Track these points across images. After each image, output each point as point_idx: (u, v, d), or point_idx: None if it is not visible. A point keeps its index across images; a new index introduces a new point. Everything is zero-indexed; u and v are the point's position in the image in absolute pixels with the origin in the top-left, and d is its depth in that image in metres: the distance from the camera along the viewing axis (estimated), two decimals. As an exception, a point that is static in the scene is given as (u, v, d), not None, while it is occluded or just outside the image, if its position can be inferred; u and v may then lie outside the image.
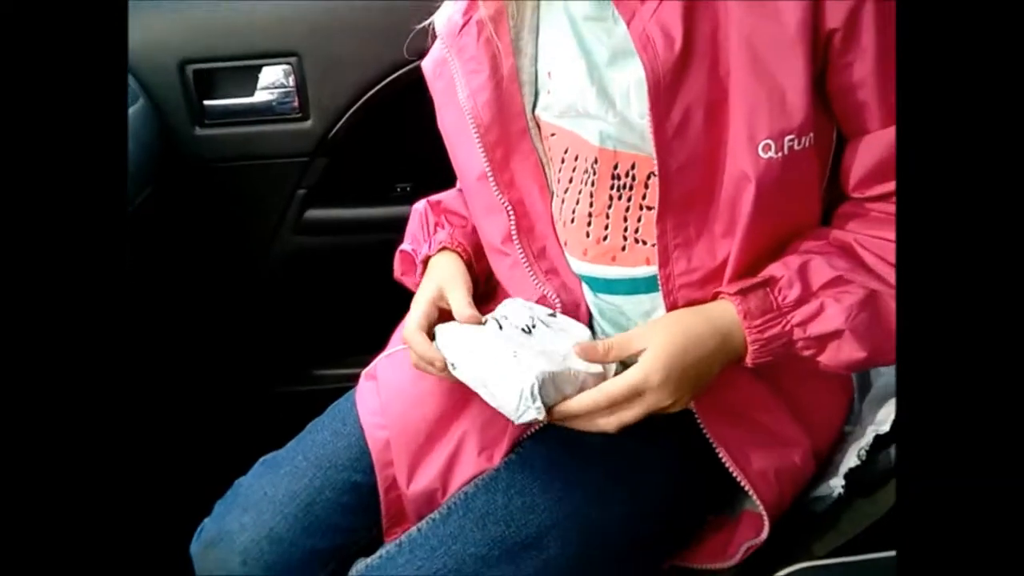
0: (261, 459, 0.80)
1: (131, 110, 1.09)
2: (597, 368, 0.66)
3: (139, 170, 1.09)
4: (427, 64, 0.77)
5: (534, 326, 0.69)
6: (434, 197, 0.85)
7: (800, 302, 0.63)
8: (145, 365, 1.22)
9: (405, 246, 0.84)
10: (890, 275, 0.63)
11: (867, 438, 0.74)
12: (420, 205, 0.85)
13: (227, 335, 1.33)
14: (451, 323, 0.71)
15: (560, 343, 0.68)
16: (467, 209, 0.82)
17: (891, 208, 0.64)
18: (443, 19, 0.74)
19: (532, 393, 0.63)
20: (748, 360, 0.64)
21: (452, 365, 0.69)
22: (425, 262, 0.80)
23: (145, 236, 1.14)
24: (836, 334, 0.62)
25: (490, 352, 0.67)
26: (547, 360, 0.65)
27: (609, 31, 0.66)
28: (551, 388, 0.64)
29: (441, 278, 0.76)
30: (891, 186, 0.64)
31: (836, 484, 0.75)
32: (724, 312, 0.65)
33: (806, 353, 0.64)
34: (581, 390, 0.65)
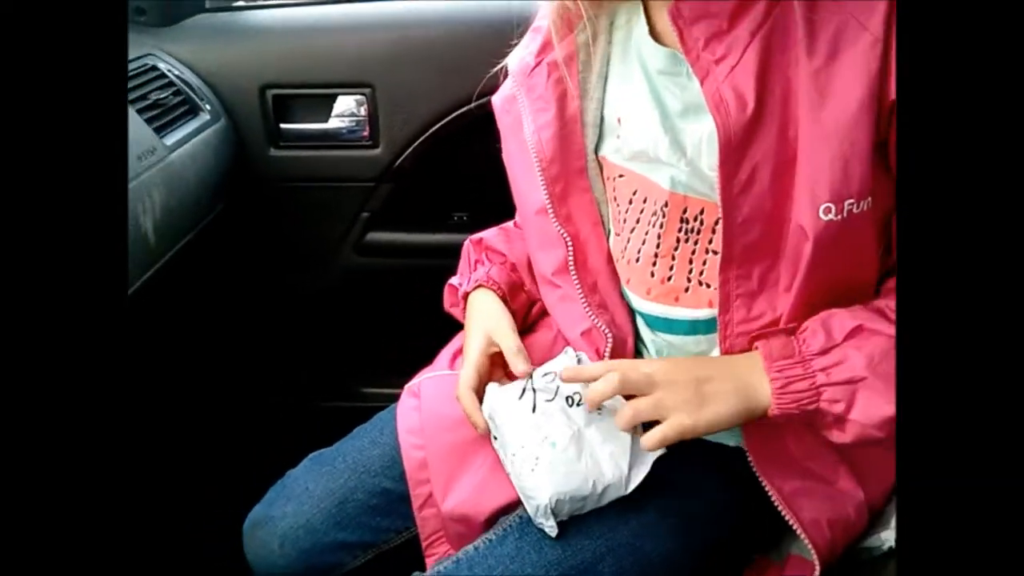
0: (310, 455, 0.85)
1: (212, 128, 1.15)
2: (620, 474, 0.68)
3: (217, 185, 1.15)
4: (497, 100, 0.80)
5: (579, 403, 0.71)
6: (477, 235, 0.88)
7: (823, 351, 0.63)
8: (208, 376, 1.27)
9: (453, 280, 0.88)
10: None
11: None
12: (466, 242, 0.88)
13: (286, 348, 1.37)
14: (497, 388, 0.74)
15: (596, 429, 0.70)
16: (507, 245, 0.85)
17: None
18: (515, 60, 0.78)
19: (545, 513, 0.67)
20: (773, 405, 0.64)
21: (494, 437, 0.73)
22: (465, 298, 0.83)
23: (217, 247, 1.20)
24: (860, 381, 0.62)
25: (517, 447, 0.69)
26: (568, 466, 0.67)
27: (683, 86, 0.67)
28: (566, 505, 0.67)
29: (487, 325, 0.79)
30: None
31: (888, 537, 0.73)
32: (747, 358, 0.66)
33: (836, 408, 0.63)
34: (599, 500, 0.68)
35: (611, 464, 0.69)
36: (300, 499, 0.80)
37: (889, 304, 0.65)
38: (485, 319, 0.80)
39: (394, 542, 0.80)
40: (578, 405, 0.71)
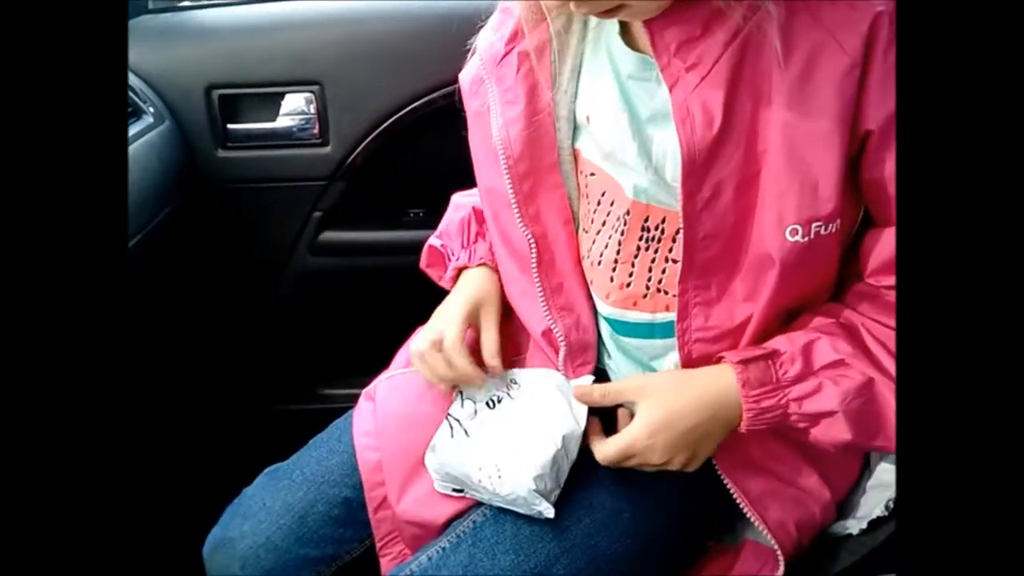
0: (265, 470, 0.82)
1: (157, 131, 1.12)
2: (565, 415, 0.71)
3: (163, 189, 1.12)
4: (464, 79, 0.76)
5: (499, 400, 0.74)
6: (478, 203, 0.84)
7: (799, 379, 0.64)
8: (161, 381, 1.24)
9: (435, 241, 0.84)
10: (890, 364, 0.63)
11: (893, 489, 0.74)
12: (464, 209, 0.84)
13: (241, 352, 1.35)
14: (431, 455, 0.74)
15: (523, 405, 0.73)
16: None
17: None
18: (484, 43, 0.74)
19: (534, 499, 0.68)
20: (742, 427, 0.65)
21: (458, 490, 0.73)
22: (459, 271, 0.81)
23: (166, 252, 1.17)
24: (829, 414, 0.63)
25: (476, 472, 0.70)
26: (525, 449, 0.69)
27: (652, 92, 0.65)
28: (547, 480, 0.68)
29: (478, 298, 0.77)
30: None
31: (851, 525, 0.75)
32: (722, 378, 0.66)
33: (800, 425, 0.64)
34: (568, 455, 0.70)
35: (554, 416, 0.71)
36: (258, 517, 0.77)
37: (867, 325, 0.65)
38: (477, 294, 0.78)
39: (357, 551, 0.78)
40: (499, 402, 0.74)
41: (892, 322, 0.65)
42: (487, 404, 0.74)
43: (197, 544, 0.81)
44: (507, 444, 0.70)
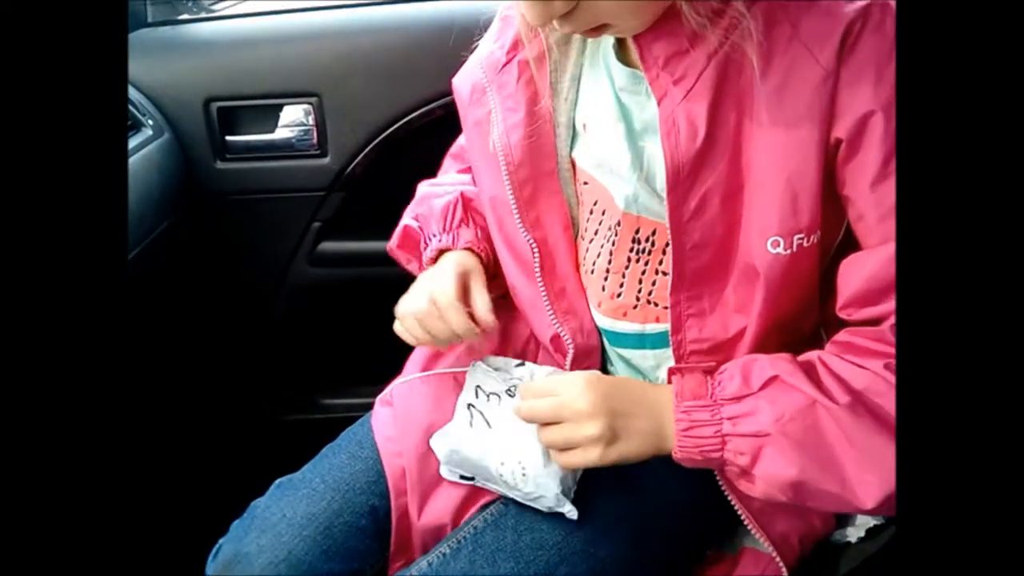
0: (277, 482, 0.79)
1: (156, 143, 1.13)
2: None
3: (162, 200, 1.13)
4: (463, 86, 0.76)
5: (511, 393, 0.73)
6: (468, 190, 0.83)
7: (736, 399, 0.61)
8: (160, 393, 1.24)
9: (411, 222, 0.83)
10: (838, 392, 0.59)
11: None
12: (445, 195, 0.83)
13: (240, 362, 1.35)
14: (443, 435, 0.73)
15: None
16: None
17: (869, 334, 0.61)
18: (485, 51, 0.74)
19: (559, 502, 0.68)
20: (675, 448, 0.62)
21: (470, 479, 0.73)
22: (439, 253, 0.80)
23: (165, 264, 1.18)
24: (764, 436, 0.59)
25: (497, 466, 0.69)
26: (550, 462, 0.68)
27: (643, 105, 0.66)
28: (569, 481, 0.69)
29: (466, 266, 0.76)
30: (875, 311, 0.60)
31: (852, 533, 0.75)
32: (665, 388, 0.65)
33: (741, 460, 0.60)
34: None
35: None
36: (277, 529, 0.72)
37: (823, 357, 0.62)
38: (464, 264, 0.77)
39: (379, 566, 0.75)
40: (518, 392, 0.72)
41: (849, 355, 0.61)
42: (508, 392, 0.72)
43: (198, 559, 0.78)
44: (531, 440, 0.68)
